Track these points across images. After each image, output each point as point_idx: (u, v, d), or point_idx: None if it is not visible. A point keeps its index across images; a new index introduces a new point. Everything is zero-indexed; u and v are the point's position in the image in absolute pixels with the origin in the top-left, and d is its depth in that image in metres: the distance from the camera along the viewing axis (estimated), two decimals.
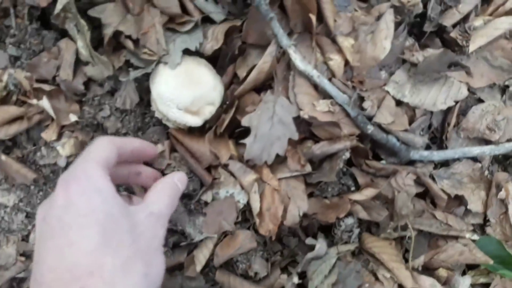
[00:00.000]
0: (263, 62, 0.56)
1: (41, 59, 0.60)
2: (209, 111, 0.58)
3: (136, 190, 0.60)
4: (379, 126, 0.58)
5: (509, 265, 0.61)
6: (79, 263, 0.36)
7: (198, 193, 0.59)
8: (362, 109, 0.58)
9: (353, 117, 0.57)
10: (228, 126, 0.59)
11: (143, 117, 0.63)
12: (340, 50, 0.58)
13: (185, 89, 0.55)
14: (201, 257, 0.59)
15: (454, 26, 0.61)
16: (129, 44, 0.57)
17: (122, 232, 0.40)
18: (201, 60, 0.58)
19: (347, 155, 0.57)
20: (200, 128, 0.60)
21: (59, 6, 0.55)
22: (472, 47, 0.59)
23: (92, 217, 0.38)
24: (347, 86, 0.58)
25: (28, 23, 0.60)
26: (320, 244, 0.58)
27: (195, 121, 0.57)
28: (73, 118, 0.61)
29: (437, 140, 0.65)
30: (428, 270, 0.61)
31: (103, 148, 0.44)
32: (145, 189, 0.54)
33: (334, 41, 0.58)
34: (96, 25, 0.59)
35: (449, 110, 0.62)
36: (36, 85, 0.60)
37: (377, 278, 0.59)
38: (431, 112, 0.61)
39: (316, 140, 0.59)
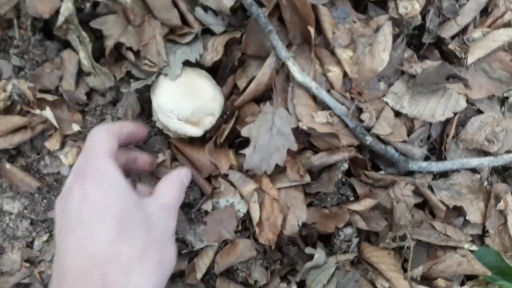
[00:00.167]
0: (262, 73, 0.57)
1: (44, 69, 0.61)
2: (209, 122, 0.58)
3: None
4: (377, 137, 0.58)
5: (507, 276, 0.60)
6: (99, 252, 0.40)
7: (198, 202, 0.60)
8: (361, 120, 0.58)
9: (352, 128, 0.57)
10: (228, 136, 0.59)
11: None
12: (338, 62, 0.58)
13: (185, 100, 0.56)
14: (201, 264, 0.60)
15: (452, 38, 0.61)
16: (130, 55, 0.57)
17: (136, 223, 0.43)
18: (201, 72, 0.59)
19: (346, 166, 0.58)
20: (201, 138, 0.61)
21: (61, 18, 0.56)
22: (470, 59, 0.59)
23: (109, 210, 0.42)
24: (346, 97, 0.58)
25: (31, 34, 0.61)
26: (319, 253, 0.58)
27: (196, 131, 0.58)
28: (75, 127, 0.62)
29: (436, 151, 0.65)
30: (427, 280, 0.62)
31: (106, 139, 0.47)
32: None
33: (332, 53, 0.58)
34: (98, 36, 0.59)
35: (448, 121, 0.62)
36: (39, 95, 0.61)
37: None
38: (430, 123, 0.61)
39: (315, 150, 0.60)
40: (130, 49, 0.57)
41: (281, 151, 0.57)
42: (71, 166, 0.63)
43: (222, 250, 0.60)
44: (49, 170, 0.64)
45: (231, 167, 0.60)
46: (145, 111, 0.63)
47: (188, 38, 0.57)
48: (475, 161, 0.61)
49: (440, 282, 0.60)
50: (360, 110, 0.59)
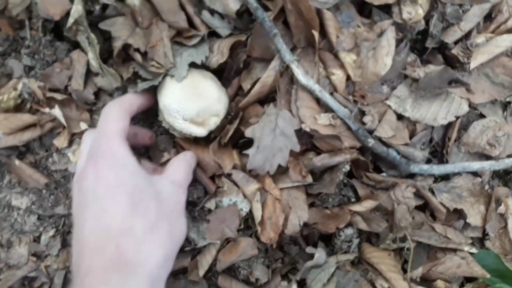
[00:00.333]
0: (267, 76, 0.58)
1: (54, 69, 0.62)
2: (214, 122, 0.59)
3: None
4: (379, 139, 0.59)
5: (507, 279, 0.61)
6: (113, 226, 0.43)
7: (202, 201, 0.61)
8: (363, 123, 0.58)
9: (354, 130, 0.57)
10: (232, 136, 0.60)
11: (151, 127, 0.64)
12: (342, 65, 0.58)
13: (191, 101, 0.57)
14: (204, 262, 0.61)
15: (456, 42, 0.61)
16: (138, 56, 0.58)
17: (148, 199, 0.46)
18: (206, 73, 0.59)
19: (347, 167, 0.58)
20: (205, 138, 0.62)
21: (71, 20, 0.57)
22: (473, 64, 0.59)
23: (122, 188, 0.45)
24: (349, 100, 0.58)
25: (42, 35, 0.63)
26: (320, 253, 0.59)
27: (200, 131, 0.58)
28: (83, 126, 0.63)
29: (438, 154, 0.65)
30: (426, 281, 0.62)
31: (118, 118, 0.50)
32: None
33: (336, 56, 0.59)
34: (106, 38, 0.60)
35: (450, 125, 0.62)
36: (49, 94, 0.62)
37: None
38: (432, 127, 0.62)
39: (318, 152, 0.60)
40: (137, 50, 0.58)
41: (284, 152, 0.58)
42: None
43: (225, 248, 0.61)
44: (57, 167, 0.65)
45: (234, 167, 0.61)
46: (151, 110, 0.64)
47: (195, 41, 0.58)
48: (476, 165, 0.62)
49: (440, 283, 0.61)
50: (362, 113, 0.59)
